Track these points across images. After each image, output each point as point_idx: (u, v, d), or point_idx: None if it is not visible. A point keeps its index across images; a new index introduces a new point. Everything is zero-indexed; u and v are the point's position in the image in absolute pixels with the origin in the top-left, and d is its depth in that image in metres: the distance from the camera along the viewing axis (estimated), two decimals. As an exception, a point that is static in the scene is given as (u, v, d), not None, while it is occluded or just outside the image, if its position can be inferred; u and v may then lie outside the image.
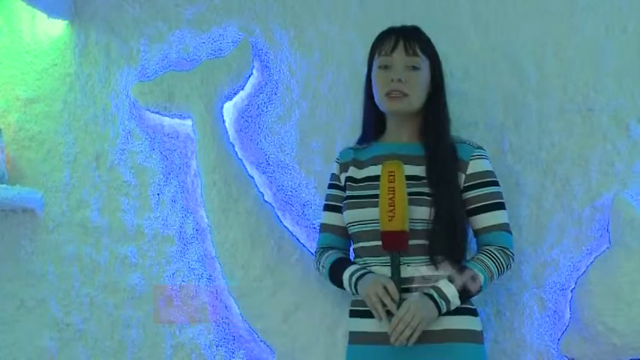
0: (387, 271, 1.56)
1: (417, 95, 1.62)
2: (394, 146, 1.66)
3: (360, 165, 1.70)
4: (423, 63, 1.63)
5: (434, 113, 1.65)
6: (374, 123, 1.73)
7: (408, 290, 1.54)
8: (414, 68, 1.61)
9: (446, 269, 1.56)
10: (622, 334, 1.65)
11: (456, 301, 1.53)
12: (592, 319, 1.67)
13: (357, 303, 1.64)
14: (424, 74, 1.63)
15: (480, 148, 1.65)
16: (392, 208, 1.52)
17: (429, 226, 1.56)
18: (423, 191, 1.57)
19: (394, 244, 1.54)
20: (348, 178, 1.70)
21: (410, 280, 1.55)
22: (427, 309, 1.50)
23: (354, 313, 1.66)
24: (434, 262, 1.56)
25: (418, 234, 1.56)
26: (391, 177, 1.53)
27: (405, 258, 1.56)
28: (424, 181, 1.58)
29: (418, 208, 1.55)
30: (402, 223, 1.52)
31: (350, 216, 1.65)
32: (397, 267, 1.54)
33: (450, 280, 1.54)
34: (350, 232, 1.68)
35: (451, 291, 1.52)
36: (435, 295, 1.51)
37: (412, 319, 1.48)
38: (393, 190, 1.52)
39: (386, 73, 1.62)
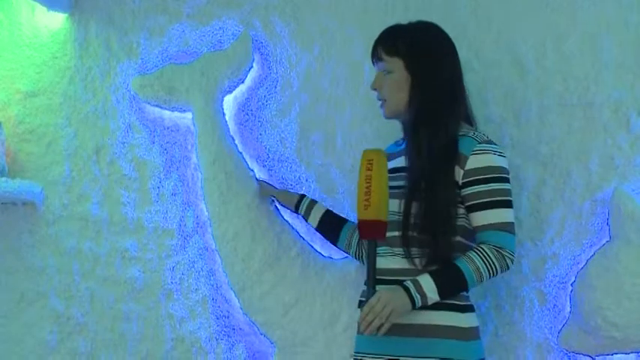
0: (386, 261, 1.55)
1: (393, 98, 1.60)
2: (400, 140, 1.68)
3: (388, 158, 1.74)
4: (394, 65, 1.59)
5: (413, 108, 1.59)
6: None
7: (383, 282, 1.51)
8: (388, 72, 1.60)
9: (427, 264, 1.51)
10: (622, 328, 1.62)
11: (434, 297, 1.47)
12: (592, 313, 1.64)
13: (365, 294, 1.61)
14: (398, 75, 1.59)
15: (488, 142, 1.57)
16: (368, 197, 1.47)
17: (400, 218, 1.52)
18: (399, 184, 1.54)
19: (370, 233, 1.50)
20: None
21: (385, 271, 1.53)
22: (400, 301, 1.46)
23: (360, 304, 1.62)
24: (409, 256, 1.52)
25: (393, 225, 1.53)
26: (369, 165, 1.49)
27: (383, 249, 1.55)
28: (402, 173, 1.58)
29: (392, 201, 1.52)
30: (377, 212, 1.47)
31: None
32: (374, 256, 1.49)
33: (432, 274, 1.49)
34: None
35: (429, 285, 1.47)
36: (412, 288, 1.47)
37: (382, 309, 1.44)
38: (370, 179, 1.48)
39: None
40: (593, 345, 1.67)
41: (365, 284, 1.61)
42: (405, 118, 1.63)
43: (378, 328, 1.46)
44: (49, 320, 2.14)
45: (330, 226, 1.83)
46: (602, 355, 1.69)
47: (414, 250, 1.52)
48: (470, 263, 1.50)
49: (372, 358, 1.57)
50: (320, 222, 1.83)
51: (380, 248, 1.55)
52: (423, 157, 1.55)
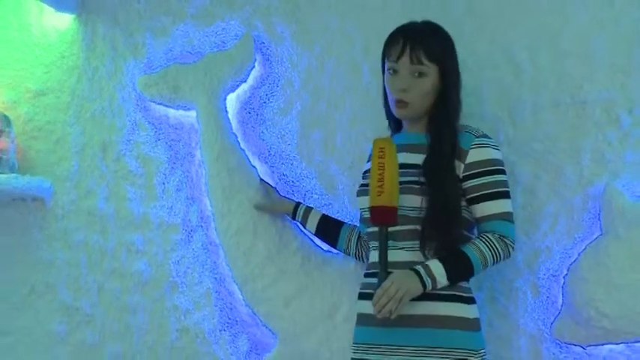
0: (393, 254, 1.54)
1: (419, 102, 1.59)
2: (404, 136, 1.66)
3: None
4: (430, 69, 1.58)
5: (441, 110, 1.61)
6: (393, 117, 1.71)
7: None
8: (420, 74, 1.57)
9: (435, 255, 1.53)
10: (613, 319, 1.63)
11: (443, 281, 1.49)
12: (584, 305, 1.65)
13: (364, 286, 1.63)
14: (430, 80, 1.59)
15: (484, 136, 1.60)
16: (381, 183, 1.48)
17: (420, 214, 1.53)
18: (417, 180, 1.54)
19: (382, 219, 1.50)
20: (365, 170, 1.72)
21: (400, 264, 1.52)
22: (411, 283, 1.47)
23: (360, 296, 1.64)
24: (424, 248, 1.53)
25: (410, 220, 1.54)
26: (381, 153, 1.49)
27: (398, 242, 1.54)
28: (420, 170, 1.56)
29: (410, 196, 1.53)
30: (390, 199, 1.48)
31: (358, 203, 1.68)
32: (385, 242, 1.50)
33: (440, 259, 1.51)
34: (361, 218, 1.73)
35: (439, 270, 1.49)
36: (422, 272, 1.48)
37: (396, 292, 1.45)
38: (383, 166, 1.48)
39: (393, 79, 1.60)
40: (585, 335, 1.68)
41: (364, 276, 1.65)
42: (423, 114, 1.63)
43: (391, 311, 1.47)
44: (58, 311, 2.14)
45: (328, 230, 1.84)
46: (594, 345, 1.70)
47: (429, 244, 1.53)
48: (476, 250, 1.52)
49: (370, 347, 1.57)
50: (318, 227, 1.83)
51: (393, 242, 1.55)
52: (444, 156, 1.56)
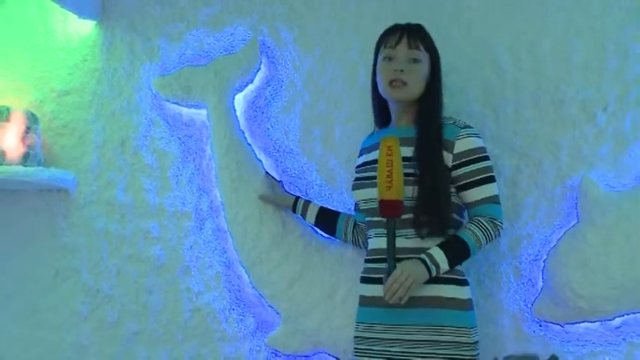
0: (385, 241, 1.53)
1: (416, 84, 1.60)
2: (393, 130, 1.66)
3: (367, 151, 1.71)
4: (424, 57, 1.61)
5: (429, 101, 1.62)
6: (380, 111, 1.72)
7: (397, 260, 1.52)
8: (415, 61, 1.60)
9: (433, 241, 1.54)
10: (588, 299, 1.66)
11: (445, 266, 1.52)
12: (562, 286, 1.69)
13: (366, 270, 1.65)
14: (424, 67, 1.61)
15: (467, 127, 1.60)
16: (390, 179, 1.48)
17: (413, 203, 1.54)
18: (409, 172, 1.55)
19: (391, 211, 1.50)
20: (358, 164, 1.72)
21: (400, 250, 1.53)
22: (419, 271, 1.49)
23: (363, 280, 1.65)
24: (420, 235, 1.55)
25: (407, 210, 1.53)
26: (389, 150, 1.49)
27: (397, 231, 1.53)
28: (413, 162, 1.56)
29: (405, 187, 1.52)
30: (398, 193, 1.49)
31: (355, 196, 1.68)
32: (393, 232, 1.50)
33: (440, 246, 1.53)
34: (359, 209, 1.71)
35: (441, 257, 1.51)
36: (427, 260, 1.50)
37: (406, 279, 1.47)
38: (391, 163, 1.49)
39: (389, 64, 1.60)
40: (563, 314, 1.72)
41: (365, 262, 1.65)
42: (412, 105, 1.63)
43: (401, 297, 1.48)
44: (81, 293, 2.15)
45: (326, 221, 1.84)
46: (570, 323, 1.73)
47: (423, 229, 1.54)
48: (471, 234, 1.54)
49: (372, 326, 1.58)
50: (316, 219, 1.84)
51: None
52: (433, 147, 1.56)
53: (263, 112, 2.07)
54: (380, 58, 1.64)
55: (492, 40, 1.89)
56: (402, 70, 1.58)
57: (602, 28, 1.82)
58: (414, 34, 1.62)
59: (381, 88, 1.65)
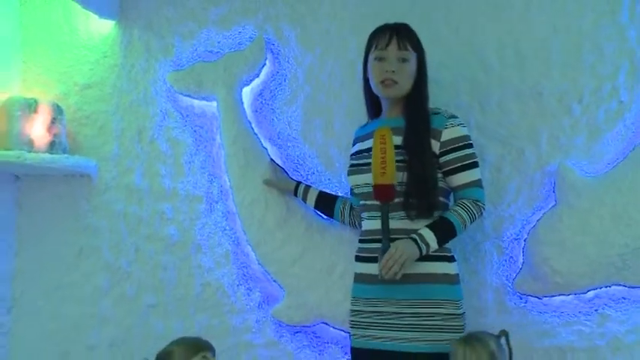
0: (378, 223, 1.58)
1: (405, 82, 1.64)
2: (383, 121, 1.70)
3: (361, 140, 1.75)
4: (412, 56, 1.64)
5: (416, 95, 1.67)
6: (372, 104, 1.75)
7: (390, 240, 1.57)
8: (404, 60, 1.63)
9: (422, 222, 1.58)
10: (564, 274, 1.72)
11: (434, 245, 1.57)
12: (540, 263, 1.74)
13: (361, 250, 1.70)
14: (412, 65, 1.65)
15: (453, 117, 1.64)
16: (384, 165, 1.53)
17: (403, 187, 1.59)
18: (399, 159, 1.59)
19: (384, 195, 1.55)
20: (353, 152, 1.77)
21: (392, 231, 1.58)
22: (411, 249, 1.54)
23: (358, 259, 1.70)
24: (409, 217, 1.59)
25: (397, 194, 1.58)
26: (383, 140, 1.54)
27: (390, 213, 1.57)
28: (403, 150, 1.60)
29: (396, 173, 1.57)
30: (391, 178, 1.54)
31: (350, 181, 1.73)
32: (386, 215, 1.55)
33: (430, 227, 1.58)
34: (353, 193, 1.77)
35: (430, 236, 1.56)
36: (418, 240, 1.56)
37: (400, 256, 1.52)
38: (385, 151, 1.54)
39: (380, 64, 1.64)
40: (541, 288, 1.77)
41: (359, 242, 1.70)
42: (401, 99, 1.66)
43: (396, 273, 1.53)
44: (103, 270, 2.20)
45: (325, 204, 1.89)
46: (548, 296, 1.79)
47: (413, 212, 1.58)
48: (457, 216, 1.59)
49: (368, 300, 1.62)
50: (316, 202, 1.88)
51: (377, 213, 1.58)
52: (420, 135, 1.60)
53: (268, 104, 2.10)
54: (371, 57, 1.67)
55: (479, 39, 1.93)
56: (393, 71, 1.62)
57: (578, 28, 1.87)
58: (402, 35, 1.65)
59: (373, 86, 1.69)
